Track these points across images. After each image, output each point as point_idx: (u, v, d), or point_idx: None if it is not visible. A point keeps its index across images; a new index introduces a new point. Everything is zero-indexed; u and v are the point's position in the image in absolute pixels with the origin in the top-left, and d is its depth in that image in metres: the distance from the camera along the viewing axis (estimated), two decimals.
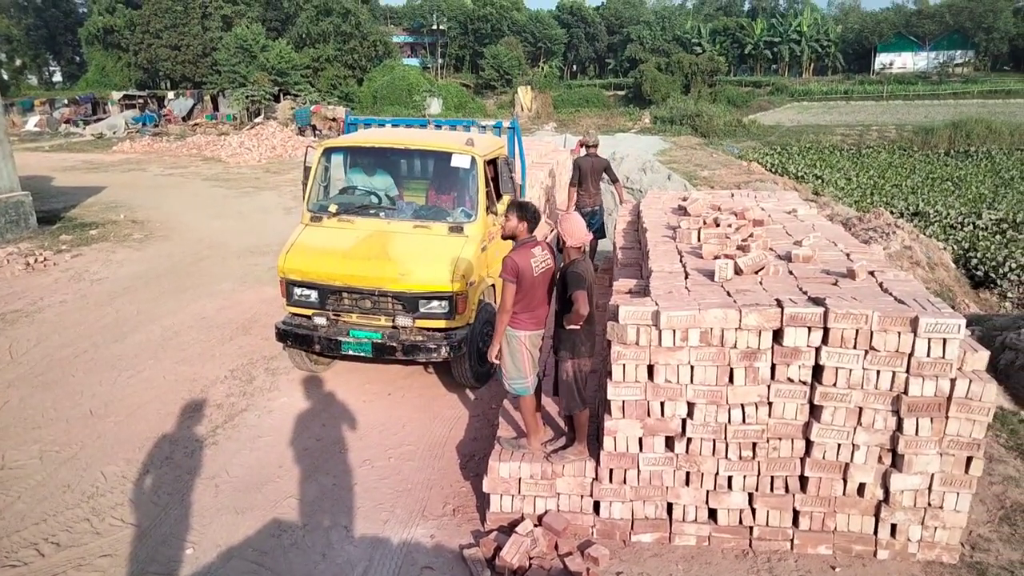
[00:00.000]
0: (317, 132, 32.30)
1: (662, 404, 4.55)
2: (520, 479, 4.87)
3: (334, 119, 32.23)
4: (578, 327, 4.70)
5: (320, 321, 6.68)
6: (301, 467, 5.75)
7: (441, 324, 6.51)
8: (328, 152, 7.46)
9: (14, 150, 13.95)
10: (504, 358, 5.05)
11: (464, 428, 6.40)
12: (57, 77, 65.75)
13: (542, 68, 63.51)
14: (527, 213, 4.97)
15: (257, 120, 38.40)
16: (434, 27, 64.33)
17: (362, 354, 6.57)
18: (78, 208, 16.47)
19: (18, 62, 62.45)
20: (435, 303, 6.44)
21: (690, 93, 51.20)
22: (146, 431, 6.26)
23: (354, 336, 6.55)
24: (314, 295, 6.69)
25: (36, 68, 64.39)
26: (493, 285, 7.19)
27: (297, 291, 6.75)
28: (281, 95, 42.78)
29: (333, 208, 7.04)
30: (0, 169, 13.19)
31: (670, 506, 4.77)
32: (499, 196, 7.25)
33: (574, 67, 77.04)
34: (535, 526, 4.74)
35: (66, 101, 44.58)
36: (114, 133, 35.77)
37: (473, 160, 6.95)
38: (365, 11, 52.01)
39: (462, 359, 6.62)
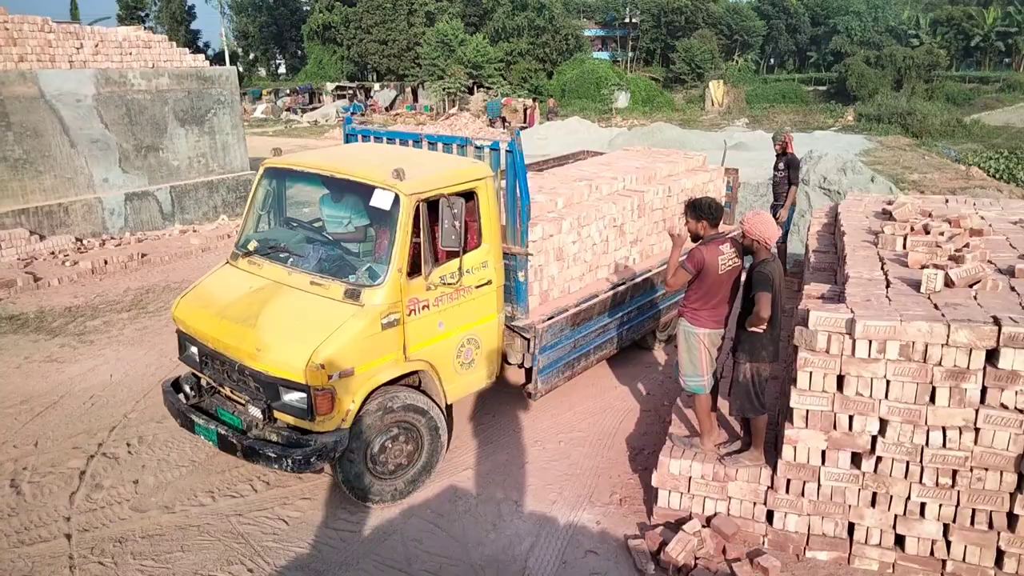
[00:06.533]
0: (506, 124, 33.40)
1: (851, 418, 4.31)
2: (690, 478, 4.83)
3: (525, 110, 33.22)
4: (760, 330, 4.56)
5: (186, 388, 5.57)
6: (477, 441, 6.08)
7: (305, 423, 4.83)
8: (268, 173, 5.99)
9: (244, 134, 15.70)
10: (681, 355, 5.02)
11: (635, 421, 6.43)
12: (281, 69, 72.90)
13: (736, 61, 60.94)
14: (700, 210, 4.85)
15: (452, 111, 40.42)
16: (626, 20, 63.78)
17: (211, 443, 5.22)
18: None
19: (251, 56, 70.14)
20: (295, 394, 4.77)
21: (902, 89, 46.81)
22: None
23: (206, 418, 5.23)
24: (197, 354, 5.39)
25: (265, 61, 71.81)
26: (431, 370, 5.30)
27: (186, 344, 5.54)
28: (475, 87, 44.60)
29: (252, 245, 5.67)
30: (235, 151, 14.95)
31: (851, 526, 4.52)
32: (441, 253, 5.21)
33: (771, 60, 73.11)
34: (703, 527, 4.69)
35: (288, 91, 49.41)
36: (327, 121, 39.21)
37: (396, 199, 4.96)
38: (559, 5, 52.75)
39: (336, 469, 5.01)
